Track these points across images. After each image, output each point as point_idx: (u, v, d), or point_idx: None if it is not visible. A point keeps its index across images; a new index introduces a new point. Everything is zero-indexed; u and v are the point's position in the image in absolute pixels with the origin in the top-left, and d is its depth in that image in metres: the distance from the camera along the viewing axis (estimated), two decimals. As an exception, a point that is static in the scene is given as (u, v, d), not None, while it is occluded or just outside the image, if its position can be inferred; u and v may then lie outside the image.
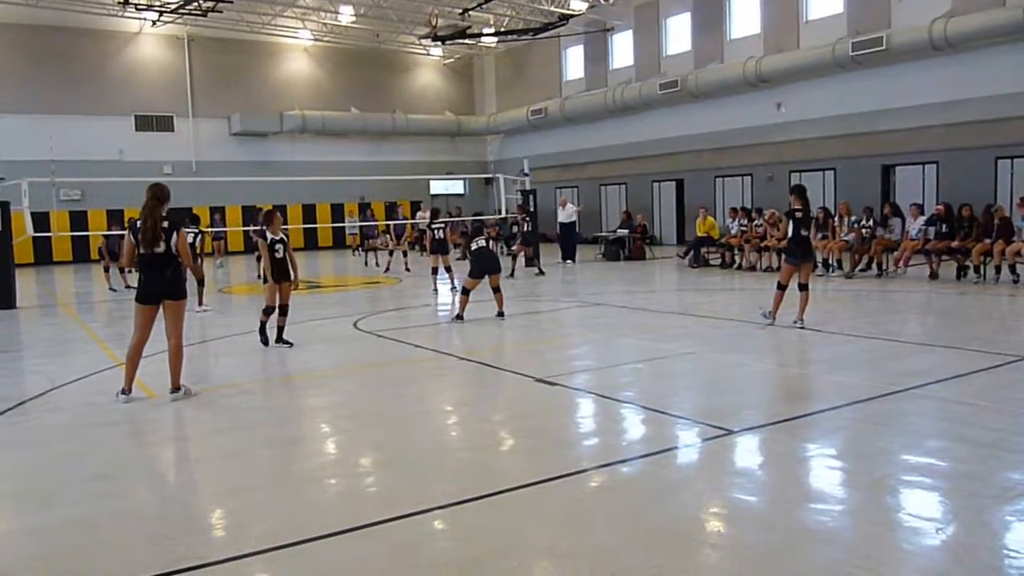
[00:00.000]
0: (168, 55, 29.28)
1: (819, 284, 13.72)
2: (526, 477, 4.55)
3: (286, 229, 9.60)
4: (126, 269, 15.86)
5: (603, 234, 23.74)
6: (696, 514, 4.04)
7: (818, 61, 21.06)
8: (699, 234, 18.83)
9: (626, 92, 26.71)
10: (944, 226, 14.02)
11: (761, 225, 17.25)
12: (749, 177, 24.39)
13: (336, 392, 7.36)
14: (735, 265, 17.81)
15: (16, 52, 26.62)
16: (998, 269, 13.34)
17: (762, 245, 16.95)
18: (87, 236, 24.20)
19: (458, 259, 19.13)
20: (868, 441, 5.13)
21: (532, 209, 19.88)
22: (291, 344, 9.12)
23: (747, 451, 5.13)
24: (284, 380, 7.86)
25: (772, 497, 4.27)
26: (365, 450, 5.44)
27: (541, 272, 18.07)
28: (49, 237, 22.71)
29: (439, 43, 28.59)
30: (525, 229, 19.27)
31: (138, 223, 6.66)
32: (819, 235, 15.06)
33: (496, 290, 11.00)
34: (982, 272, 13.62)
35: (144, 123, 28.93)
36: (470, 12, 25.89)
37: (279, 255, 9.05)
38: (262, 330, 9.22)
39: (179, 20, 26.93)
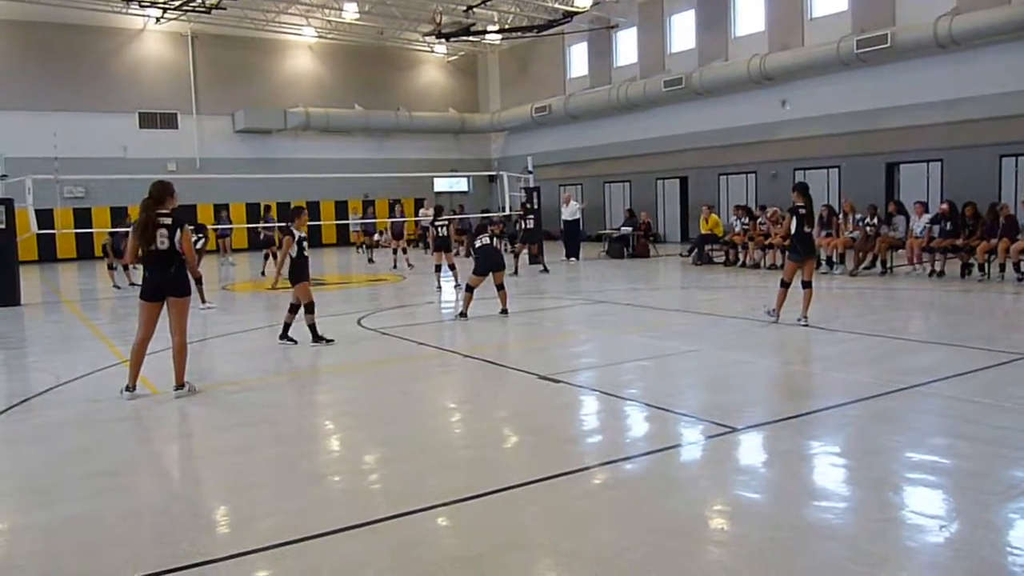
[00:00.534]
0: (172, 52, 29.27)
1: (823, 281, 13.71)
2: (530, 474, 4.56)
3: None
4: (130, 266, 15.90)
5: (607, 232, 23.73)
6: (700, 511, 4.04)
7: (823, 58, 21.00)
8: (703, 232, 18.83)
9: (630, 89, 26.67)
10: (948, 224, 14.01)
11: (764, 223, 17.25)
12: (753, 175, 24.34)
13: (340, 389, 7.38)
14: (739, 263, 17.80)
15: (20, 49, 26.63)
16: (1002, 267, 13.32)
17: (766, 243, 16.94)
18: (91, 233, 24.23)
19: (463, 256, 19.13)
20: (872, 438, 5.13)
21: (536, 207, 19.88)
22: (332, 340, 9.08)
23: (751, 448, 5.13)
24: (288, 377, 7.87)
25: (776, 494, 4.27)
26: (369, 447, 5.45)
27: (545, 270, 18.08)
28: (53, 234, 22.70)
29: (443, 40, 28.60)
30: (527, 227, 19.26)
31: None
32: (823, 232, 15.06)
33: (500, 287, 11.01)
34: (987, 270, 13.61)
35: (148, 120, 28.93)
36: (474, 9, 25.86)
37: (306, 253, 9.06)
38: (313, 330, 9.05)
39: (183, 17, 26.92)
